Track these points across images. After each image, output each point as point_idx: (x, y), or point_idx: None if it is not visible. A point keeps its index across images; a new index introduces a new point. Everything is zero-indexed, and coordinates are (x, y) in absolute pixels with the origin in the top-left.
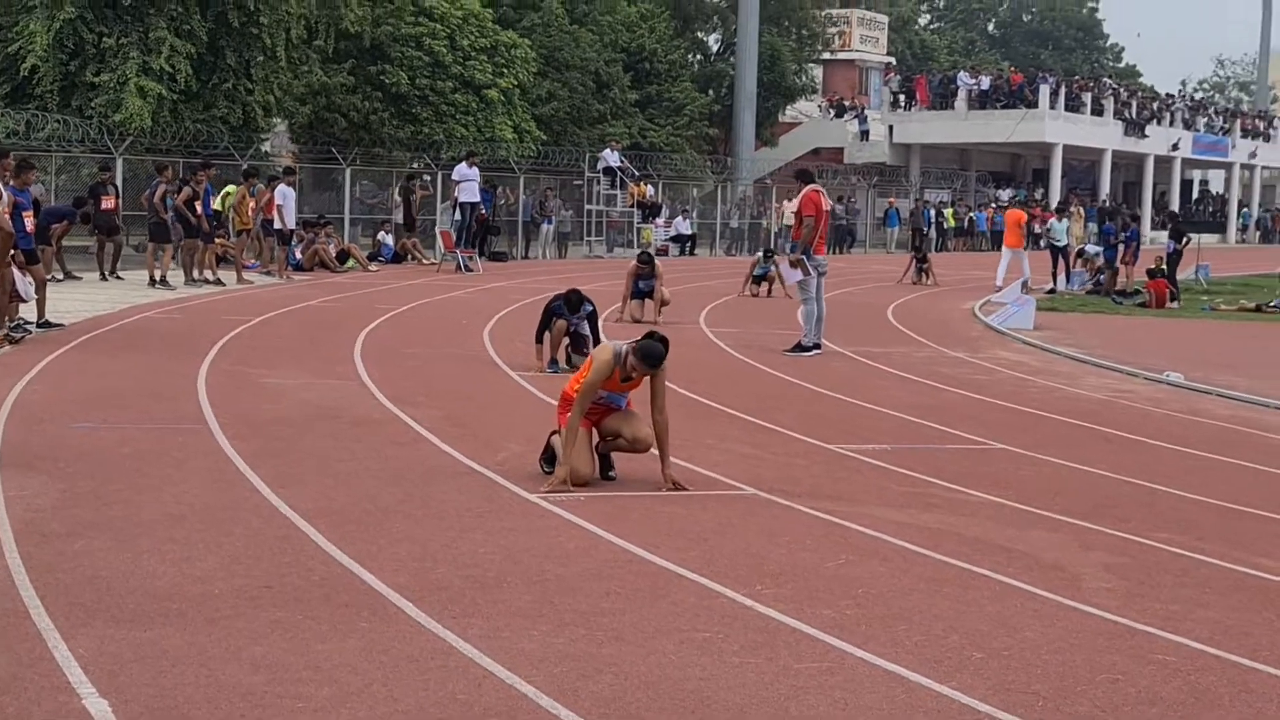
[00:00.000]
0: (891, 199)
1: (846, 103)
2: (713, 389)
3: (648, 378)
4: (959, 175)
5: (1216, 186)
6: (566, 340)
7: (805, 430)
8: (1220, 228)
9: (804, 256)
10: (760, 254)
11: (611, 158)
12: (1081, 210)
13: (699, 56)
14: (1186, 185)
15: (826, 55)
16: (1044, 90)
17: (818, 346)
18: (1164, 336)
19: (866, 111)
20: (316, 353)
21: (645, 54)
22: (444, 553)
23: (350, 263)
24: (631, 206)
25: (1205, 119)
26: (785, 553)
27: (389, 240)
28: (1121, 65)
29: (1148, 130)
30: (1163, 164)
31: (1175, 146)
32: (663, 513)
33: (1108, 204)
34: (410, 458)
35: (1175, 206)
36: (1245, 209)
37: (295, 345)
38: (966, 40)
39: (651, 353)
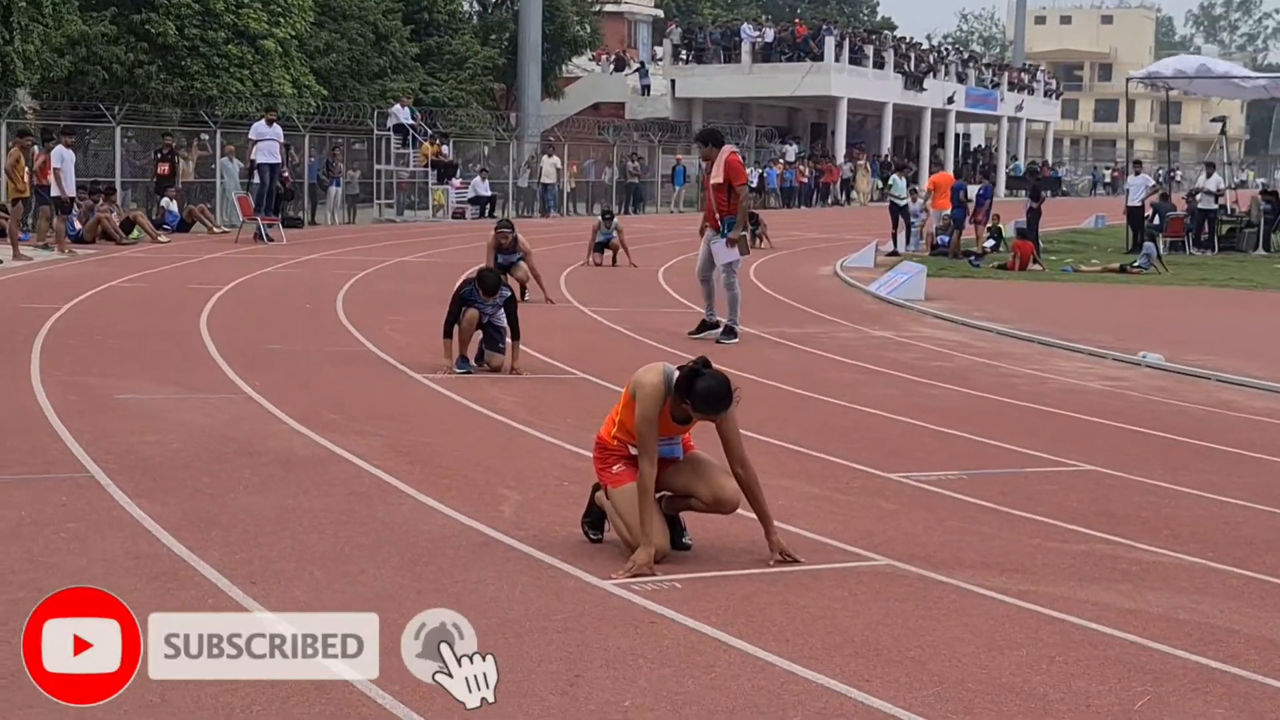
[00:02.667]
0: (679, 156)
1: (627, 56)
2: None
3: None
4: (744, 130)
5: (976, 140)
6: (479, 334)
7: (839, 452)
8: (991, 181)
9: (743, 233)
10: (600, 218)
11: (402, 114)
12: (867, 165)
13: (478, 7)
14: (956, 139)
15: (596, 8)
16: (829, 42)
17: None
18: (1055, 302)
19: (648, 65)
20: (165, 353)
21: (424, 4)
22: (578, 710)
23: (136, 233)
24: (425, 166)
25: (976, 73)
26: (1034, 674)
27: (174, 207)
28: (878, 19)
29: (925, 84)
30: (937, 117)
31: (950, 100)
32: (798, 605)
33: (889, 159)
34: (395, 521)
35: (950, 160)
36: (1015, 161)
37: (132, 344)
38: None
39: (712, 397)
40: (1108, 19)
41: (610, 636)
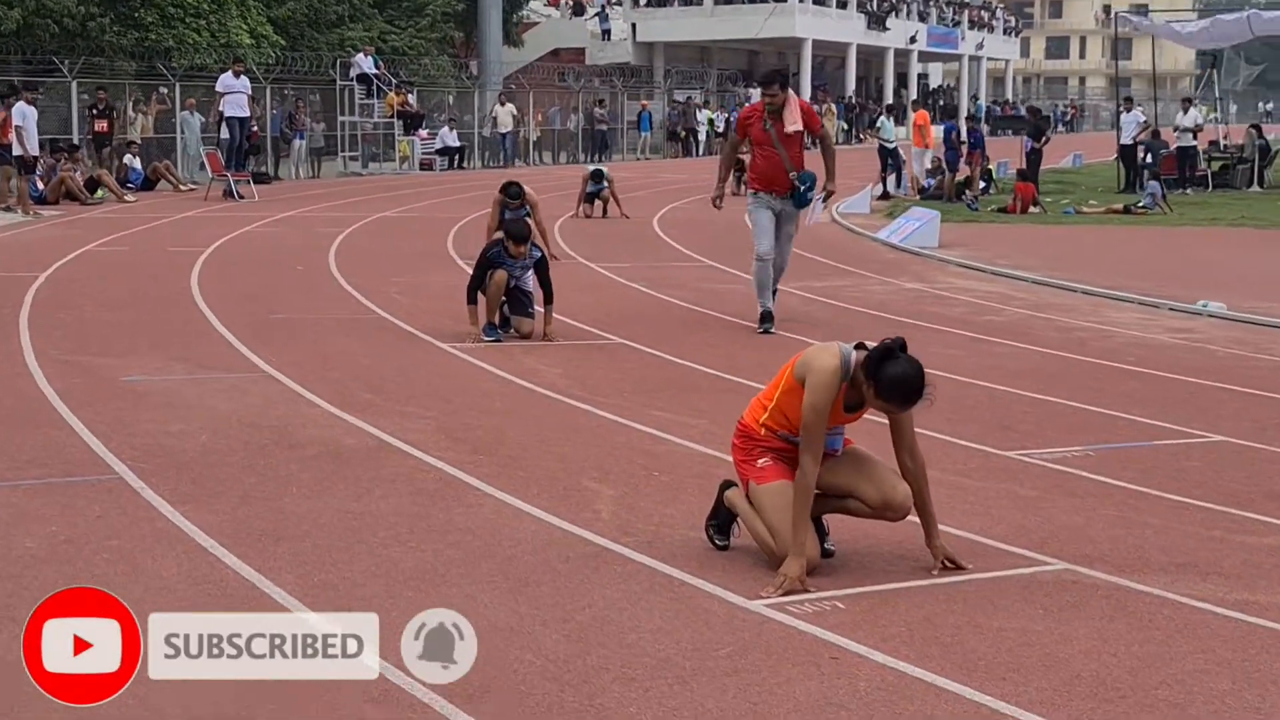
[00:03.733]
0: (644, 101)
1: (585, 1)
2: (732, 364)
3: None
4: (706, 74)
5: (934, 80)
6: (504, 301)
7: (938, 425)
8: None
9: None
10: (590, 170)
11: (365, 63)
12: (833, 107)
13: None
14: (918, 79)
15: None
16: None
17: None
18: (1074, 246)
19: (608, 9)
20: (163, 326)
21: None
22: None
23: (101, 192)
24: (390, 117)
25: (937, 11)
26: None
27: (137, 164)
28: None
29: (888, 23)
30: (899, 58)
31: (913, 39)
32: (993, 629)
33: (853, 100)
34: (480, 527)
35: (909, 100)
36: (978, 101)
37: (128, 315)
38: None
39: (906, 386)
40: None
41: (792, 678)
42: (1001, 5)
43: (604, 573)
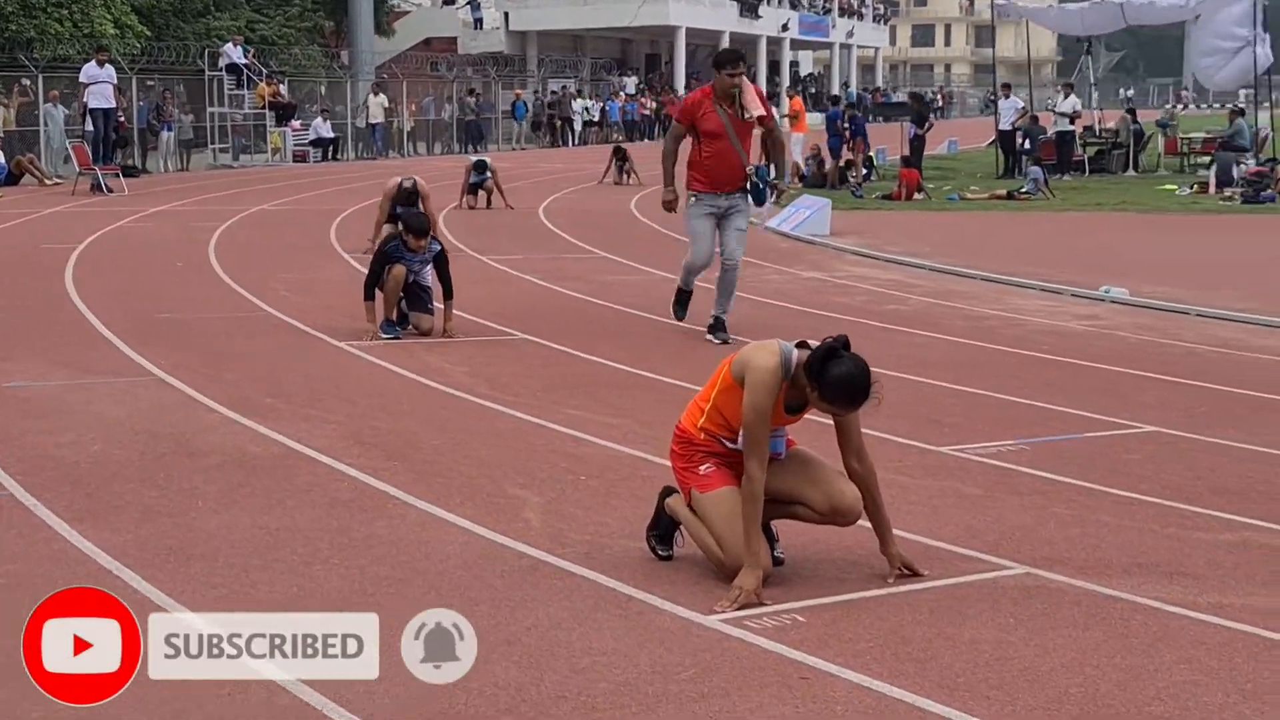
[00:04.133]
0: (518, 91)
1: None
2: (642, 358)
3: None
4: (583, 63)
5: (804, 68)
6: (401, 296)
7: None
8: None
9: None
10: (473, 160)
11: (234, 53)
12: None
13: None
14: (790, 67)
15: None
16: None
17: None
18: (963, 232)
19: None
20: (42, 327)
21: None
22: None
23: None
24: (262, 108)
25: None
26: None
27: (0, 159)
28: None
29: (760, 11)
30: (771, 46)
31: (785, 27)
32: (964, 641)
33: None
34: (405, 540)
35: (784, 88)
36: (849, 89)
37: (1, 317)
38: None
39: (851, 387)
40: None
41: (762, 702)
42: None
43: (544, 588)
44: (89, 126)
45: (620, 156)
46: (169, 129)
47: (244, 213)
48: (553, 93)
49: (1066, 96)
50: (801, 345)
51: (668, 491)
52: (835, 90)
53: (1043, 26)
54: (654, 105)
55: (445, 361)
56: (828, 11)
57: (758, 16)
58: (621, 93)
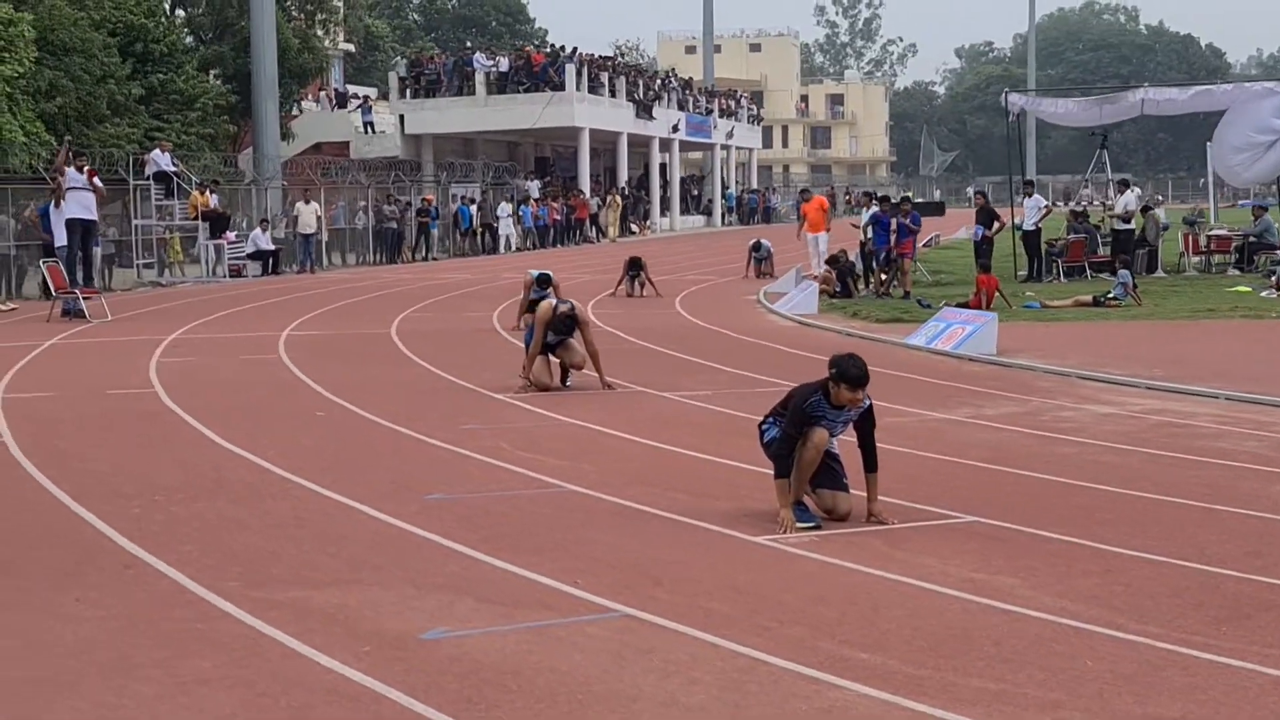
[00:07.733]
0: (428, 196)
1: (351, 93)
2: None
3: None
4: (471, 168)
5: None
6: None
7: None
8: (707, 210)
9: None
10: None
11: (163, 159)
12: (618, 199)
13: (191, 38)
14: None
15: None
16: (570, 70)
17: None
18: (1133, 345)
19: (371, 102)
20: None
21: (138, 34)
22: None
23: None
24: (195, 219)
25: (693, 99)
26: None
27: None
28: (548, 50)
29: (654, 112)
30: (665, 146)
31: (676, 128)
32: None
33: (626, 191)
34: None
35: (675, 189)
36: (728, 190)
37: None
38: (403, 29)
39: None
40: (756, 47)
41: None
42: (746, 94)
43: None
44: (59, 241)
45: (635, 267)
46: (96, 243)
47: (276, 335)
48: (468, 199)
49: (1122, 194)
50: None
51: None
52: (717, 190)
53: (1057, 122)
54: (565, 209)
55: (931, 557)
56: (709, 112)
57: (652, 118)
58: (530, 198)
